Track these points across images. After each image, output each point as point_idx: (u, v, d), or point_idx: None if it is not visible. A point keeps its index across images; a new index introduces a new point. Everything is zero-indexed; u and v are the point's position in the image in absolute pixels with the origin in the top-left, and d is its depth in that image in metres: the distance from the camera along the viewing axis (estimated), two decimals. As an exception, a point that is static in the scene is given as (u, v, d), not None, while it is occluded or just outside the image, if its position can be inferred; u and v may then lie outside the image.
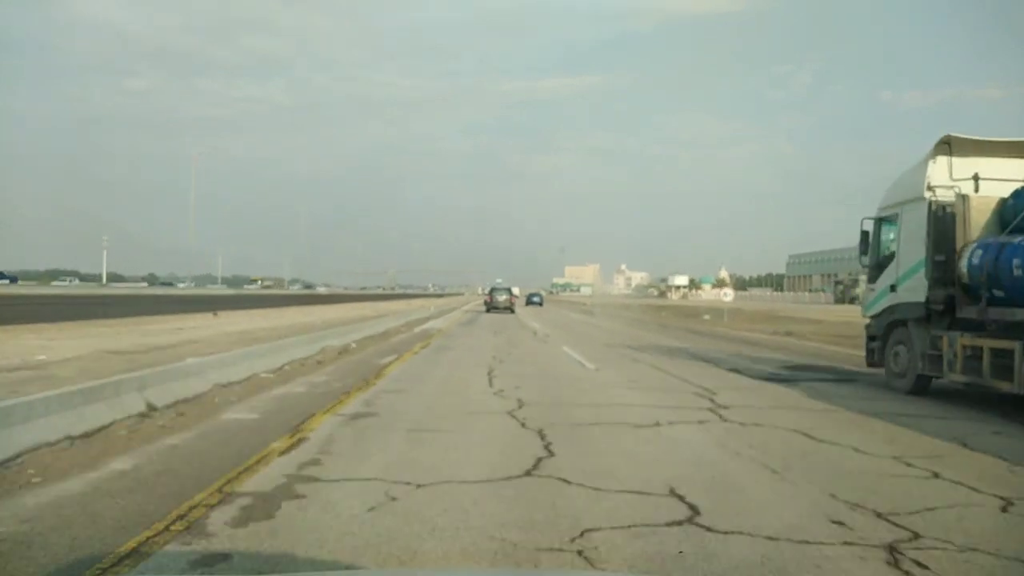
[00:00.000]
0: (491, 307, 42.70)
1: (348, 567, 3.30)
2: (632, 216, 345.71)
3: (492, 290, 45.25)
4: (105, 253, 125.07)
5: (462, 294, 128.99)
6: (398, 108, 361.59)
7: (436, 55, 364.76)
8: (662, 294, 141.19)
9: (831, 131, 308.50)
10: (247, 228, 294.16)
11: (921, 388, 10.12)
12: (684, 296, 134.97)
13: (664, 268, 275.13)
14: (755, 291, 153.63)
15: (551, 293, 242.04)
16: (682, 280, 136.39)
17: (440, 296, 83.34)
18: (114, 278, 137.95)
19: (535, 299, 64.12)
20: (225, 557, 3.48)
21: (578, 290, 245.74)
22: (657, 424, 7.50)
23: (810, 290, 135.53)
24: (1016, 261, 8.29)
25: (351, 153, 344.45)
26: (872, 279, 11.47)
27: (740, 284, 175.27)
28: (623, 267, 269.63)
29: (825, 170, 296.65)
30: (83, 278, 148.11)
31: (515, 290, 55.48)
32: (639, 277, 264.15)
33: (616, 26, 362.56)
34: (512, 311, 42.72)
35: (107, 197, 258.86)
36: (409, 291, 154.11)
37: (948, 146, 9.73)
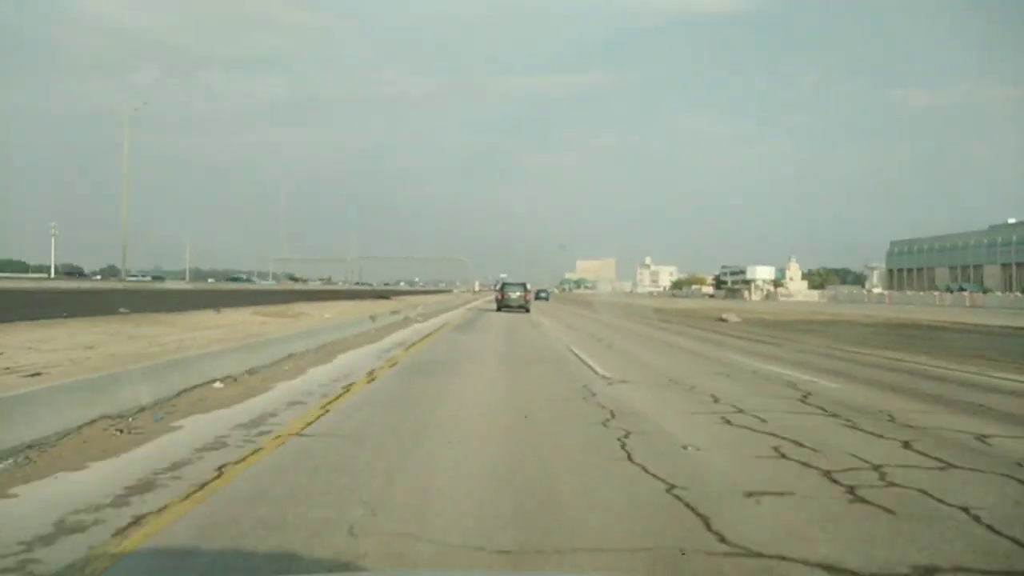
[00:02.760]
0: (502, 305, 35.26)
1: (348, 568, 2.95)
2: (649, 210, 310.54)
3: (504, 286, 37.09)
4: (53, 242, 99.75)
5: (449, 291, 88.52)
6: (399, 104, 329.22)
7: (438, 51, 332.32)
8: (732, 292, 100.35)
9: (844, 128, 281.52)
10: (229, 221, 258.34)
11: None
12: (767, 296, 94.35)
13: (694, 263, 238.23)
14: (842, 290, 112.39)
15: (563, 290, 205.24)
16: (764, 273, 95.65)
17: (386, 298, 41.92)
18: (68, 270, 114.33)
19: (542, 295, 63.38)
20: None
21: (593, 287, 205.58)
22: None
23: (943, 288, 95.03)
24: None
25: (349, 149, 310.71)
26: None
27: (811, 279, 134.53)
28: (648, 260, 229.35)
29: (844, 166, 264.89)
30: (35, 269, 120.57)
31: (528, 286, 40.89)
32: (668, 272, 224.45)
33: (623, 23, 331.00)
34: (527, 310, 34.41)
35: (73, 189, 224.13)
36: (380, 287, 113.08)
37: None
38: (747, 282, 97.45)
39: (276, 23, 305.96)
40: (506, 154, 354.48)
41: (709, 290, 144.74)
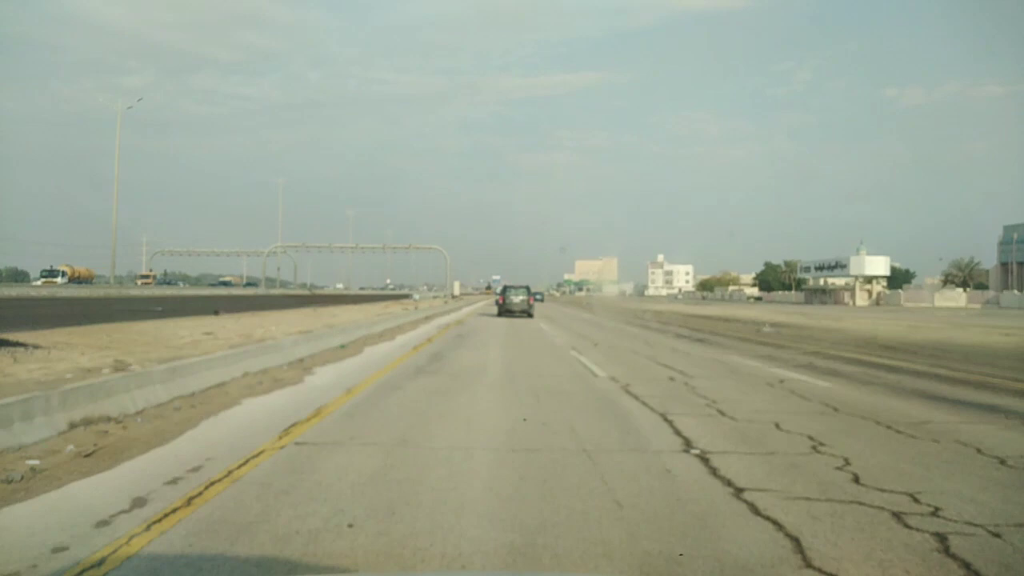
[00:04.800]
0: (504, 310, 33.47)
1: (349, 568, 2.98)
2: (653, 209, 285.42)
3: (506, 289, 35.57)
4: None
5: (409, 296, 58.17)
6: (394, 105, 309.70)
7: (433, 51, 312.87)
8: (821, 295, 69.89)
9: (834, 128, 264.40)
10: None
11: None
12: (878, 301, 64.21)
13: (714, 263, 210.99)
14: (1002, 293, 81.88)
15: (563, 293, 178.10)
16: (875, 267, 65.00)
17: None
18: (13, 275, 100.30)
19: (537, 297, 58.28)
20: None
21: (598, 289, 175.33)
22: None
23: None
24: None
25: (345, 151, 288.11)
26: None
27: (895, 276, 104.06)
28: (660, 258, 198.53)
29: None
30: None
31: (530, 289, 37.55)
32: (684, 271, 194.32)
33: (615, 22, 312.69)
34: (530, 315, 32.40)
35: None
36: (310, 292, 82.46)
37: None
38: (856, 280, 66.94)
39: (268, 22, 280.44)
40: (501, 154, 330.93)
41: (752, 291, 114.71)
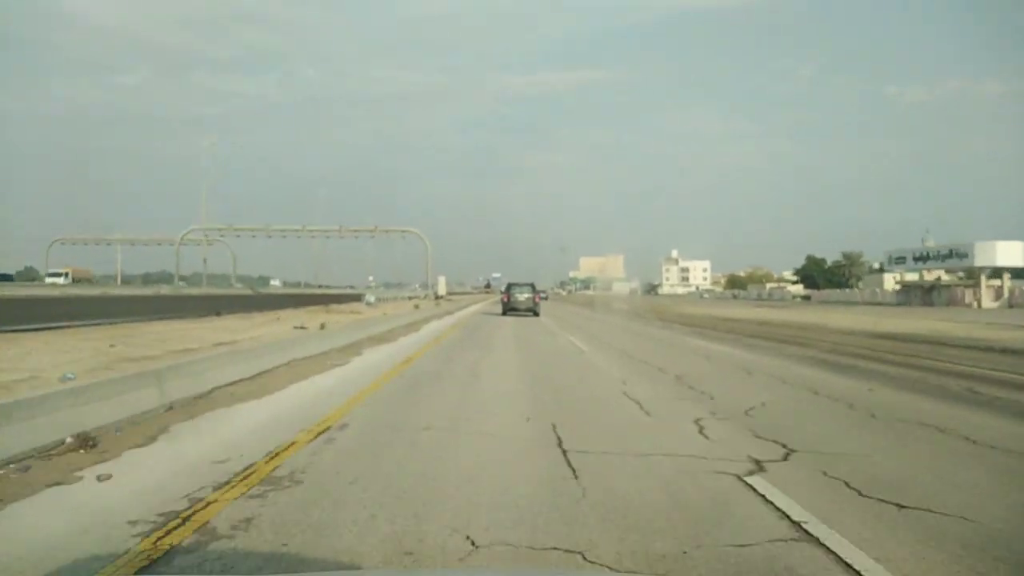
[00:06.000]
0: (509, 308, 33.05)
1: (349, 567, 2.95)
2: (658, 205, 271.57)
3: (510, 287, 35.31)
4: None
5: (361, 299, 40.81)
6: (393, 103, 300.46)
7: (433, 49, 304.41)
8: (925, 293, 52.32)
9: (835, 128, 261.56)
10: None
11: None
12: (1010, 299, 46.67)
13: (734, 258, 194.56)
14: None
15: (569, 292, 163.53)
16: (1009, 255, 46.74)
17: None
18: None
19: (542, 295, 56.80)
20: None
21: (608, 287, 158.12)
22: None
23: None
24: None
25: (344, 149, 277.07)
26: None
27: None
28: (675, 254, 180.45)
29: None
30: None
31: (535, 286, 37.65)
32: (701, 268, 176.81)
33: (617, 19, 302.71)
34: (536, 313, 32.00)
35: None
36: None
37: None
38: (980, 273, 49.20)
39: (268, 19, 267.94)
40: (501, 152, 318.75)
41: (796, 289, 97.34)
